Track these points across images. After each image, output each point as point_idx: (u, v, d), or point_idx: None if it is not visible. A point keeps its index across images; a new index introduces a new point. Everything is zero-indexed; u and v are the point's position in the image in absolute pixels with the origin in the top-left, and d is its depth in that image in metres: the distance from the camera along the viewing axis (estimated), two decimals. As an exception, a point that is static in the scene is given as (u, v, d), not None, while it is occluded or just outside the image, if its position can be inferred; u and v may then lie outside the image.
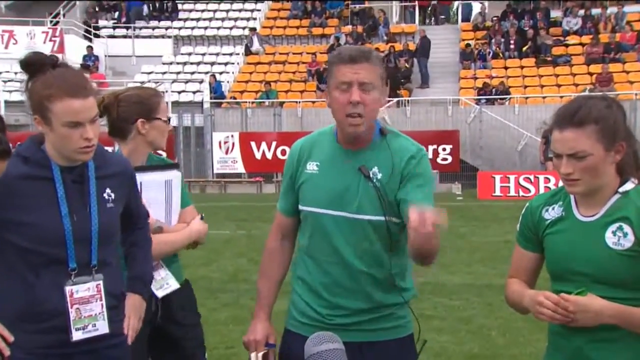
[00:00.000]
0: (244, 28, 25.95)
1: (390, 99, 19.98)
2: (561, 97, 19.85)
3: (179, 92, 22.05)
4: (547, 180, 15.52)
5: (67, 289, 2.08)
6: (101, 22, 26.66)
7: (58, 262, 2.07)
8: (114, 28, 26.29)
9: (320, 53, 23.71)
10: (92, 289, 2.12)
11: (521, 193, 15.63)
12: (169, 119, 2.74)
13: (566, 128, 1.96)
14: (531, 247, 2.15)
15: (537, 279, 2.20)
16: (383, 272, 2.27)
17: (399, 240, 2.27)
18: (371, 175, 2.23)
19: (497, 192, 15.29)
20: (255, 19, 26.42)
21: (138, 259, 2.34)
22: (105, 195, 2.15)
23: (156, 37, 25.91)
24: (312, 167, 2.32)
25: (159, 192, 2.72)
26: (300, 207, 2.35)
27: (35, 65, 2.03)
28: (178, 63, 24.68)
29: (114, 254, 2.22)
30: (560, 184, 2.10)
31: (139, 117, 2.68)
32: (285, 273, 2.48)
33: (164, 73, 23.46)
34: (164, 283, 2.67)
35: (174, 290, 2.69)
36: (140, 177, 2.61)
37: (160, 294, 2.66)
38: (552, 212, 2.10)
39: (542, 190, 15.49)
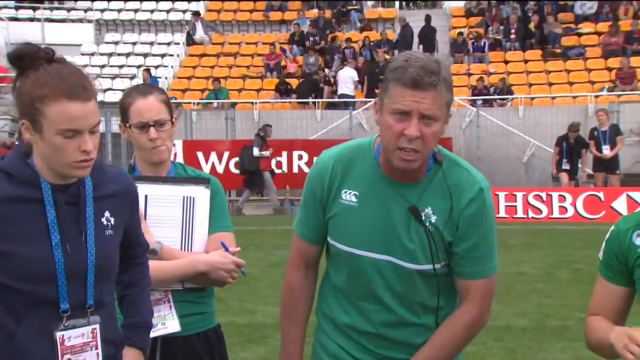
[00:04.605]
0: (184, 11, 25.94)
1: (368, 99, 20.21)
2: (574, 97, 20.38)
3: (105, 91, 21.86)
4: (562, 198, 15.82)
5: (58, 334, 2.08)
6: None
7: (47, 303, 2.07)
8: (16, 9, 25.97)
9: (280, 43, 23.87)
10: (87, 334, 2.13)
11: (531, 214, 15.84)
12: (147, 125, 2.75)
13: None
14: (618, 279, 2.22)
15: (625, 318, 2.26)
16: (433, 319, 2.38)
17: (451, 279, 2.38)
18: (424, 218, 2.28)
19: (502, 213, 15.47)
20: (198, 0, 26.44)
21: (139, 304, 2.35)
22: (103, 220, 2.17)
23: (73, 21, 25.72)
24: (349, 196, 2.34)
25: (173, 210, 2.77)
26: (332, 242, 2.40)
27: (26, 59, 2.05)
28: (102, 54, 24.54)
29: (111, 292, 2.25)
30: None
31: (121, 120, 2.83)
32: (311, 310, 2.55)
33: (85, 66, 22.87)
34: (159, 322, 2.69)
35: (169, 333, 2.71)
36: (145, 190, 2.67)
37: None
38: None
39: (556, 211, 15.78)
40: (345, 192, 2.35)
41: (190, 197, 2.78)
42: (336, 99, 21.16)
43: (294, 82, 21.88)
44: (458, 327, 2.34)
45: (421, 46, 22.56)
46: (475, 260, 2.31)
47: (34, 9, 25.64)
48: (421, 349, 2.34)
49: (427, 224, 2.28)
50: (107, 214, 2.18)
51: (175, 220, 2.77)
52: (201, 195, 2.79)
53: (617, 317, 2.23)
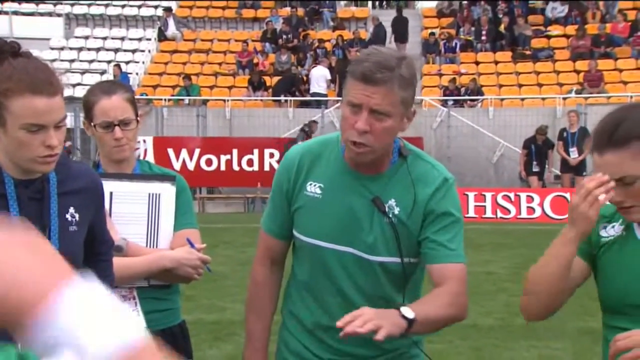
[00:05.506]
0: (156, 7, 25.78)
1: (340, 98, 20.21)
2: (543, 99, 20.59)
3: (74, 86, 21.65)
4: (530, 199, 15.96)
5: None
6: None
7: None
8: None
9: (253, 40, 23.83)
10: None
11: (499, 214, 15.97)
12: (112, 125, 2.72)
13: (606, 150, 2.00)
14: (581, 255, 2.16)
15: (573, 292, 2.20)
16: None
17: (415, 278, 2.39)
18: (387, 210, 2.29)
19: (471, 213, 15.56)
20: (170, -5, 26.31)
21: None
22: (68, 216, 2.15)
23: (41, 14, 25.42)
24: (313, 188, 2.36)
25: (138, 207, 2.76)
26: (296, 235, 2.41)
27: None
28: (71, 48, 24.29)
29: None
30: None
31: (85, 117, 2.81)
32: (276, 306, 2.55)
33: (53, 61, 22.99)
34: None
35: None
36: (110, 187, 2.64)
37: None
38: (610, 231, 2.15)
39: (524, 211, 15.92)
40: (311, 184, 2.36)
41: (156, 194, 2.77)
42: (308, 98, 21.15)
43: (267, 79, 21.83)
44: (444, 299, 2.24)
45: (393, 36, 22.65)
46: (447, 243, 2.27)
47: (1, 1, 25.26)
48: (415, 305, 2.21)
49: (391, 215, 2.28)
50: (71, 210, 2.16)
51: (140, 217, 2.76)
52: (167, 192, 2.78)
53: (569, 283, 2.15)
